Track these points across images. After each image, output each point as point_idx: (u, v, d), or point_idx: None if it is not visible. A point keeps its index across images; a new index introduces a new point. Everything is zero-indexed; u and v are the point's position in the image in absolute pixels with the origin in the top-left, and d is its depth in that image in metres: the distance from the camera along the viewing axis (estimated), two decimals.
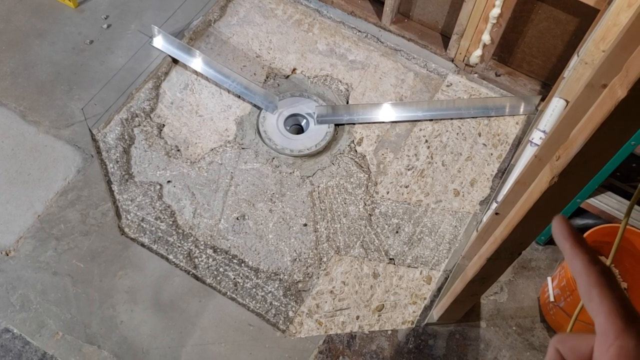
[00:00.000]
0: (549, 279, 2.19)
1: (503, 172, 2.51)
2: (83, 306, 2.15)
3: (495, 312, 2.24)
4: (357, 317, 2.19)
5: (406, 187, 2.46)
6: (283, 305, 2.19)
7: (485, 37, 2.55)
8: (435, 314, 2.16)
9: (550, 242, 2.38)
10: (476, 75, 2.76)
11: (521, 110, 2.65)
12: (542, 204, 1.27)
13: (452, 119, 2.63)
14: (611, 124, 0.99)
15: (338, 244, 2.32)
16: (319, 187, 2.44)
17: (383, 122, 2.62)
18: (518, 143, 2.58)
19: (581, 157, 1.09)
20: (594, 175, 1.18)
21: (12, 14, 2.80)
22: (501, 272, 1.72)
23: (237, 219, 2.35)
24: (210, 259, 2.26)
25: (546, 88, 2.67)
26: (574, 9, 2.31)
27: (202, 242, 2.29)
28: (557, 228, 0.50)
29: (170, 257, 2.26)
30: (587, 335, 0.46)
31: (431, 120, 2.62)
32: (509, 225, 1.43)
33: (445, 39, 2.80)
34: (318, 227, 2.35)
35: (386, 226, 2.37)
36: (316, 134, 2.57)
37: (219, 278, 2.23)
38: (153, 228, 2.30)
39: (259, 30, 2.86)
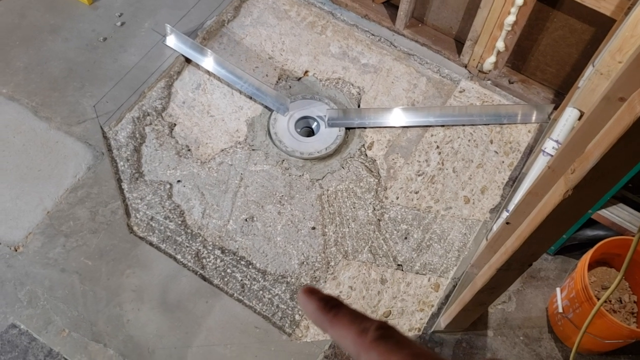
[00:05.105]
0: (558, 289, 2.17)
1: (514, 181, 2.49)
2: (90, 304, 2.15)
3: (503, 322, 2.23)
4: None
5: (416, 192, 2.45)
6: (290, 309, 2.19)
7: (500, 44, 2.54)
8: (443, 321, 2.15)
9: (559, 252, 2.36)
10: (489, 82, 2.75)
11: (533, 118, 2.64)
12: (555, 216, 1.26)
13: (464, 125, 2.61)
14: (629, 139, 0.98)
15: (346, 249, 2.32)
16: (328, 190, 2.44)
17: (394, 127, 2.61)
18: (530, 151, 2.56)
19: (597, 171, 1.08)
20: (609, 189, 1.16)
21: (27, 9, 2.81)
22: (511, 283, 1.71)
23: (246, 220, 2.35)
24: (218, 260, 2.26)
25: (559, 97, 2.65)
26: (590, 18, 2.30)
27: (210, 243, 2.29)
28: (305, 303, 0.47)
29: (178, 256, 2.26)
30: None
31: (443, 126, 2.61)
32: (520, 237, 1.42)
33: (459, 44, 2.79)
34: (326, 230, 2.35)
35: (395, 232, 2.36)
36: (327, 137, 2.56)
37: (226, 279, 2.23)
38: (162, 227, 2.30)
39: (272, 31, 2.86)
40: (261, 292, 2.21)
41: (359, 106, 2.68)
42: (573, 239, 2.27)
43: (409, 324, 2.19)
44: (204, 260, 2.26)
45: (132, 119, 2.52)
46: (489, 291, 1.75)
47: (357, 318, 0.44)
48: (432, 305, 2.24)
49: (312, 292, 0.47)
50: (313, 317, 0.47)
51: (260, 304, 2.19)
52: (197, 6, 2.88)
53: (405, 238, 2.35)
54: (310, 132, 2.65)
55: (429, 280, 2.28)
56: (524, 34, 2.51)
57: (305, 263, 2.28)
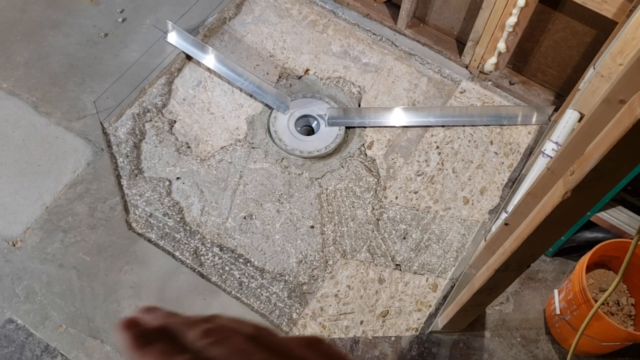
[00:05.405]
0: (556, 291, 2.17)
1: (514, 182, 2.49)
2: (87, 300, 2.15)
3: (500, 323, 2.23)
4: (361, 322, 2.19)
5: (415, 192, 2.45)
6: (287, 307, 2.19)
7: (501, 45, 2.54)
8: (440, 322, 2.15)
9: (558, 254, 2.36)
10: (490, 82, 2.75)
11: (534, 120, 2.63)
12: (554, 217, 1.26)
13: (464, 125, 2.61)
14: (628, 141, 0.98)
15: (344, 248, 2.32)
16: (327, 189, 2.43)
17: (394, 127, 2.60)
18: (530, 153, 2.56)
19: (596, 173, 1.08)
20: (608, 191, 1.16)
21: (28, 4, 2.81)
22: (509, 284, 1.71)
23: (245, 218, 2.35)
24: (217, 257, 2.26)
25: (560, 99, 2.65)
26: (591, 20, 2.29)
27: (208, 240, 2.29)
28: (120, 337, 0.43)
29: (177, 253, 2.26)
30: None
31: (443, 126, 2.61)
32: (519, 238, 1.42)
33: (461, 45, 2.79)
34: (325, 229, 2.35)
35: (394, 231, 2.36)
36: (327, 136, 2.56)
37: (224, 277, 2.23)
38: (160, 224, 2.30)
39: (274, 29, 2.86)
40: (259, 290, 2.21)
41: (359, 105, 2.68)
42: (571, 240, 2.27)
43: (407, 324, 2.19)
44: (202, 258, 2.26)
45: (132, 115, 2.51)
46: (486, 292, 1.75)
47: (166, 353, 0.41)
48: (430, 306, 2.24)
49: (130, 327, 0.43)
50: (125, 353, 0.42)
51: (258, 302, 2.19)
52: (198, 3, 2.88)
53: (404, 238, 2.35)
54: (310, 131, 2.64)
55: (427, 281, 2.28)
56: (525, 36, 2.51)
57: (303, 262, 2.28)
